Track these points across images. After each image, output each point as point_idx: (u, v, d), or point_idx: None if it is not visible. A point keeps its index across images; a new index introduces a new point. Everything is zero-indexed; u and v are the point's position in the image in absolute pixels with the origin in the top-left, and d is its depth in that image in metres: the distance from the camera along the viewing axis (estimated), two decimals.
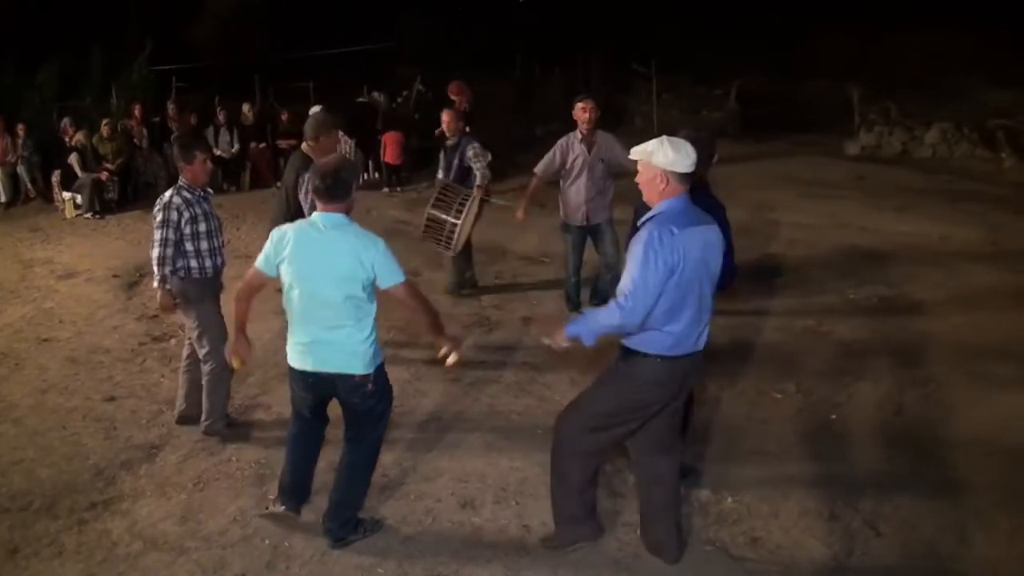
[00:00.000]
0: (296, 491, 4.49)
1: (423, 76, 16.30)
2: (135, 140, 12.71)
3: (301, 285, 3.97)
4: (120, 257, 9.76)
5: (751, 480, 4.88)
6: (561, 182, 7.35)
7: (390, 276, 3.97)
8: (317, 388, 4.16)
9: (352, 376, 4.05)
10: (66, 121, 12.56)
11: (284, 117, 13.80)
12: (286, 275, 3.99)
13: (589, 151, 7.15)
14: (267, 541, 4.35)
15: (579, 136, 7.18)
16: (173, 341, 7.14)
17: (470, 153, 7.73)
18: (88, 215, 11.61)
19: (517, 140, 17.05)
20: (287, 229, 4.03)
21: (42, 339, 7.31)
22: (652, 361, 3.75)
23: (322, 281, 3.92)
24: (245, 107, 13.78)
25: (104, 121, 12.46)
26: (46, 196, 12.45)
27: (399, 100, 16.29)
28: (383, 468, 5.03)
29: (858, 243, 9.66)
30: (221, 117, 13.33)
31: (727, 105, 19.00)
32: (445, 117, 8.05)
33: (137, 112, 12.94)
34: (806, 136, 17.59)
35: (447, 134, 8.07)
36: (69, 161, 11.86)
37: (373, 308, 4.06)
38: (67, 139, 12.24)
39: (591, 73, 19.94)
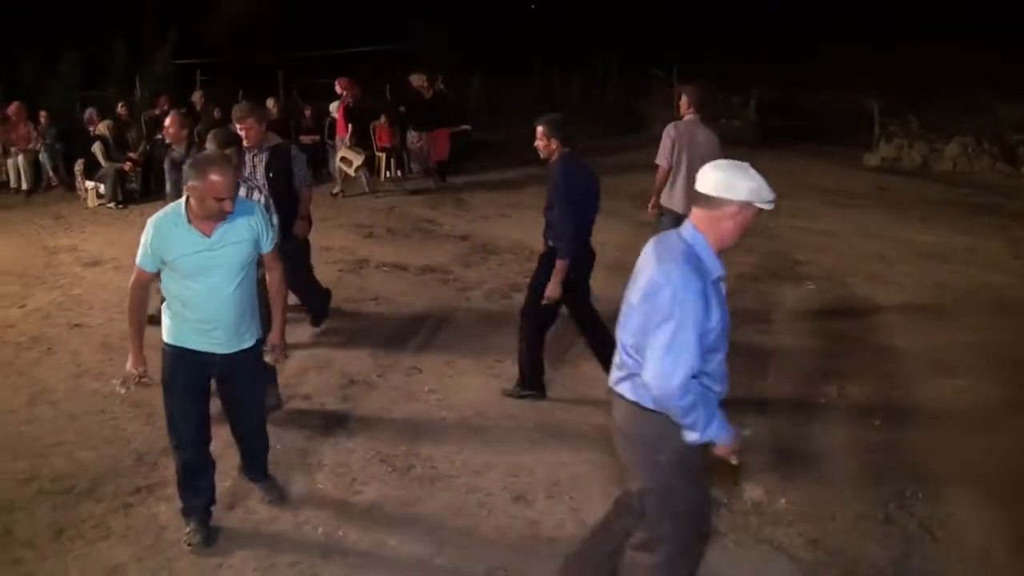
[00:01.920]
0: None
1: (444, 76, 16.25)
2: (159, 134, 12.63)
3: None
4: None
5: (802, 482, 4.83)
6: None
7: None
8: None
9: None
10: (91, 111, 12.52)
11: (307, 113, 13.76)
12: None
13: None
14: (320, 530, 4.31)
15: None
16: None
17: None
18: (111, 205, 11.56)
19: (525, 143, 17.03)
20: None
21: (73, 324, 7.25)
22: None
23: None
24: (269, 102, 13.71)
25: (120, 104, 12.42)
26: (68, 184, 12.41)
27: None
28: (431, 460, 4.99)
29: (885, 252, 9.62)
30: None
31: (746, 114, 18.95)
32: (168, 122, 6.75)
33: (163, 104, 12.88)
34: (824, 147, 17.59)
35: (172, 143, 6.76)
36: (92, 150, 11.80)
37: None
38: (92, 128, 12.18)
39: (609, 76, 19.89)
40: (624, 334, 3.17)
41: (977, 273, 8.83)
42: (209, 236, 3.91)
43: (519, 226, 10.58)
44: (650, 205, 7.33)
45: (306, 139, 13.36)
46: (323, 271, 8.62)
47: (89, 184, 11.74)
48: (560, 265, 5.41)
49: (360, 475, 4.83)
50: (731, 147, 18.02)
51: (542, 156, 5.49)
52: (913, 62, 19.96)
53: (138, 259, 4.00)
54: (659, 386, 2.93)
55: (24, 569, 4.04)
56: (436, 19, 20.47)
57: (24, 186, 12.62)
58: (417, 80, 14.01)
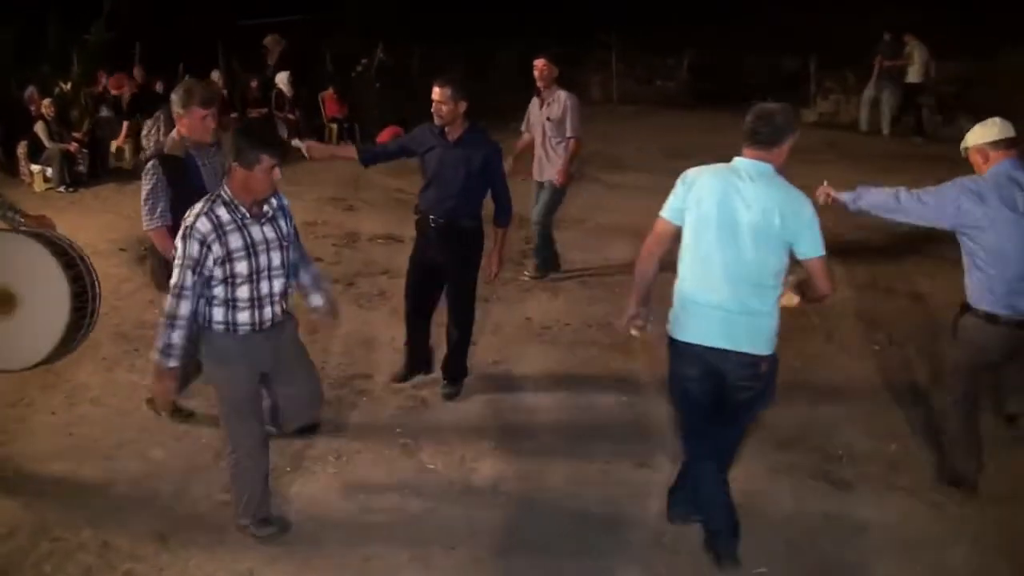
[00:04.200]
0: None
1: (385, 44, 15.78)
2: (118, 92, 11.78)
3: (713, 238, 3.40)
4: (117, 230, 9.07)
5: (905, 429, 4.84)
6: None
7: (812, 247, 3.36)
8: (707, 366, 3.50)
9: (751, 355, 3.43)
10: (32, 89, 11.56)
11: (253, 85, 13.15)
12: (697, 222, 3.44)
13: (540, 108, 7.21)
14: (462, 511, 4.03)
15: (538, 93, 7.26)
16: None
17: None
18: (60, 189, 10.73)
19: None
20: (699, 171, 3.49)
21: None
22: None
23: (740, 238, 3.36)
24: (215, 75, 13.01)
25: (65, 81, 11.59)
26: (7, 169, 11.44)
27: (359, 69, 15.75)
28: (535, 433, 4.82)
29: None
30: None
31: (679, 75, 19.10)
32: None
33: (104, 79, 12.05)
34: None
35: None
36: (35, 131, 10.91)
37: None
38: (33, 108, 11.26)
39: (544, 42, 19.57)
40: None
41: None
42: None
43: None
44: (563, 176, 7.19)
45: (254, 112, 12.78)
46: (317, 246, 8.29)
47: (35, 168, 10.85)
48: (506, 233, 5.21)
49: (468, 452, 4.61)
50: (667, 108, 18.25)
51: (442, 121, 4.85)
52: (836, 22, 20.32)
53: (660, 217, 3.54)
54: None
55: None
56: None
57: None
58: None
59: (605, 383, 5.51)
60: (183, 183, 4.33)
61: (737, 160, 3.41)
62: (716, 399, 3.54)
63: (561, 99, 7.02)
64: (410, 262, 5.28)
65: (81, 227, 9.28)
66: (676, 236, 3.53)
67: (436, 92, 4.81)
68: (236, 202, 3.47)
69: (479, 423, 4.99)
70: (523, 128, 7.48)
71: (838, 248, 7.86)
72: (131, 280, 7.46)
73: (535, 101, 7.26)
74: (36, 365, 4.14)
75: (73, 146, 10.97)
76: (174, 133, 4.49)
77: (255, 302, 3.56)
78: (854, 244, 8.22)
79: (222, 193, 3.50)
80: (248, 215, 3.50)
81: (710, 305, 3.40)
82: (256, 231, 3.52)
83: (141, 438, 4.81)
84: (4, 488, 4.33)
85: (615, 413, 5.12)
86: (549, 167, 7.22)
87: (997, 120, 3.99)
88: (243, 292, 3.52)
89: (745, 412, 3.63)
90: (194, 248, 3.39)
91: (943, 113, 15.22)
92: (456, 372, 5.34)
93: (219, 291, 3.51)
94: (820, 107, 16.60)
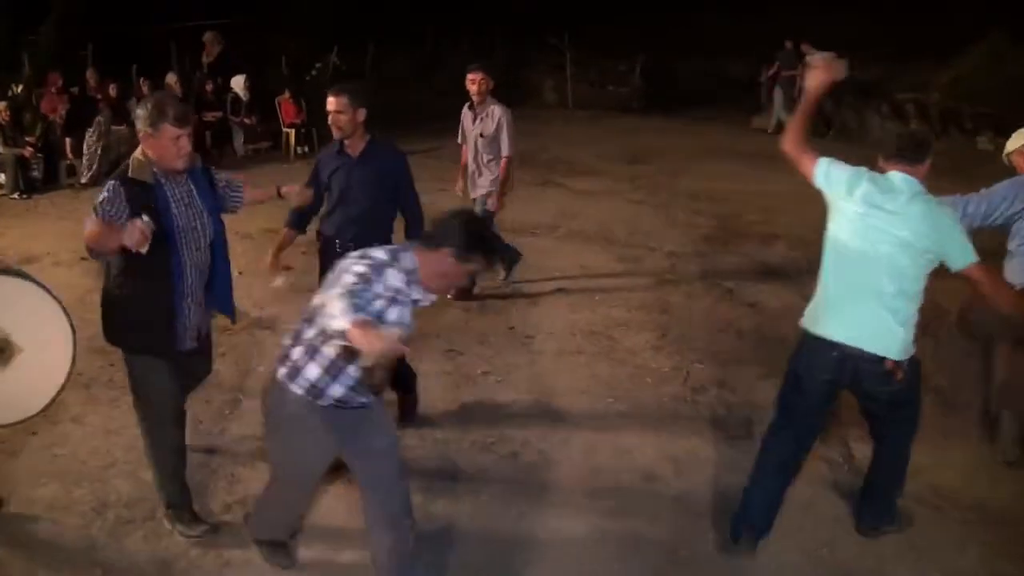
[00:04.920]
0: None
1: (339, 48, 15.63)
2: (51, 115, 11.37)
3: (858, 247, 3.50)
4: (77, 238, 8.43)
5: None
6: None
7: (961, 255, 3.45)
8: (835, 363, 3.57)
9: (884, 358, 3.50)
10: None
11: (208, 88, 12.85)
12: (843, 216, 3.56)
13: (473, 123, 6.91)
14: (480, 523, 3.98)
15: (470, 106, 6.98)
16: None
17: None
18: (14, 196, 10.37)
19: (416, 111, 16.58)
20: (867, 178, 3.53)
21: None
22: None
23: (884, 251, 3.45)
24: (171, 77, 12.65)
25: (18, 84, 11.19)
26: None
27: (313, 72, 15.59)
28: (528, 443, 4.78)
29: None
30: (145, 88, 12.15)
31: (632, 80, 19.19)
32: None
33: (56, 82, 11.64)
34: (707, 111, 18.04)
35: None
36: None
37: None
38: None
39: (496, 45, 19.56)
40: None
41: None
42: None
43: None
44: (498, 204, 6.95)
45: (210, 116, 12.50)
46: (286, 255, 8.03)
47: None
48: None
49: (468, 465, 4.56)
50: (622, 113, 18.27)
51: (341, 133, 4.62)
52: (788, 29, 20.70)
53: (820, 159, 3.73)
54: None
55: None
56: None
57: None
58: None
59: (595, 392, 5.51)
60: (148, 215, 3.44)
61: (891, 173, 3.54)
62: (827, 398, 3.69)
63: (495, 115, 6.74)
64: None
65: (39, 235, 9.05)
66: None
67: (332, 102, 4.55)
68: (414, 279, 3.00)
69: (476, 435, 4.92)
70: (459, 140, 7.14)
71: None
72: (97, 290, 7.11)
73: (467, 113, 6.95)
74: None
75: (28, 151, 10.62)
76: (139, 153, 3.68)
77: (359, 384, 3.06)
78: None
79: (407, 262, 3.00)
80: (415, 296, 3.03)
81: (851, 307, 3.52)
82: (408, 314, 3.03)
83: (130, 458, 4.64)
84: None
85: (609, 422, 5.10)
86: (482, 183, 6.98)
87: None
88: (355, 370, 3.00)
89: (896, 417, 3.77)
90: (373, 300, 2.86)
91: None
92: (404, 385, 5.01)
93: (331, 351, 2.99)
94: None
